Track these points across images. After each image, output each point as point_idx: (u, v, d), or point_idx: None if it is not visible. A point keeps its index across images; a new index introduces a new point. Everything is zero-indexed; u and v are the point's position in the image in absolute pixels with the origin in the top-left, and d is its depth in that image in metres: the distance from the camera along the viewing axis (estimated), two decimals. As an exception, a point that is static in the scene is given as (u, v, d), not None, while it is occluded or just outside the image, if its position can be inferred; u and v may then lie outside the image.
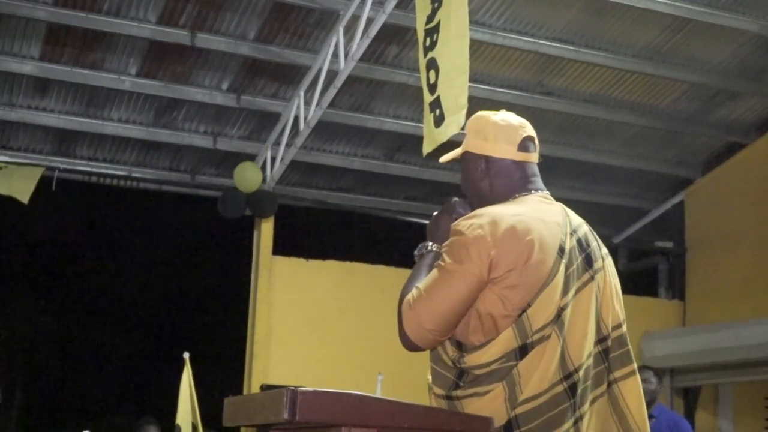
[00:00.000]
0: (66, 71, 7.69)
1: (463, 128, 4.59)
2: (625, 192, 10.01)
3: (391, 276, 8.76)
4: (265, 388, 7.97)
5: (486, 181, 2.49)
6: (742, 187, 9.27)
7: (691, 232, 9.96)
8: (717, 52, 8.07)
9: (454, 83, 4.77)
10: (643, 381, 7.06)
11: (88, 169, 8.69)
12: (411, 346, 2.32)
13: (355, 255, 9.06)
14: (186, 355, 6.91)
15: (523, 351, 2.27)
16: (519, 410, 2.25)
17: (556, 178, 9.61)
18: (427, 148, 5.01)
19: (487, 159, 2.49)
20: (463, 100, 4.70)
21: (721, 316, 9.07)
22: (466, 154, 2.54)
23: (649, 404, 6.66)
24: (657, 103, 8.71)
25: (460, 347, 2.31)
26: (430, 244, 2.49)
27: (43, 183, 8.21)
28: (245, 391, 8.31)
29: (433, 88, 4.94)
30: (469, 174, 2.53)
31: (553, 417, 2.26)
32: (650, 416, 7.24)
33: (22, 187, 7.92)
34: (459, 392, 2.30)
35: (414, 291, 2.32)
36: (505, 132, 2.51)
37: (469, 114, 4.66)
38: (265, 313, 8.57)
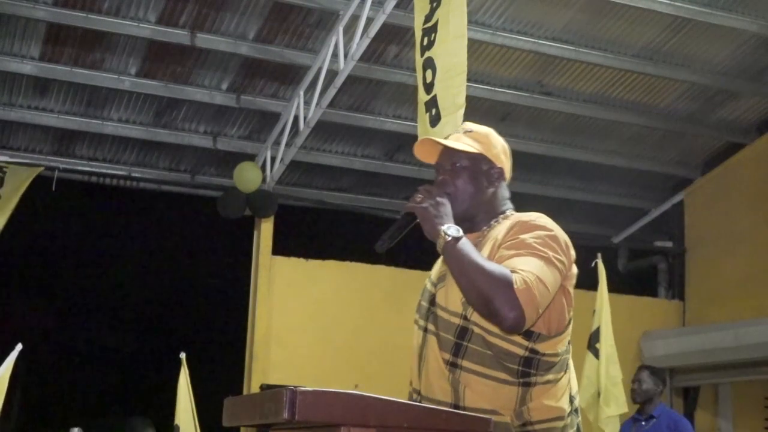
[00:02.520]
0: (66, 71, 7.69)
1: (459, 128, 4.58)
2: (625, 192, 10.01)
3: (391, 276, 8.76)
4: (265, 388, 7.96)
5: (491, 189, 2.65)
6: (742, 187, 9.27)
7: (690, 232, 9.95)
8: (717, 52, 8.07)
9: (452, 82, 4.76)
10: (638, 381, 7.08)
11: (88, 169, 8.69)
12: (517, 327, 2.33)
13: (355, 255, 9.04)
14: (182, 356, 6.90)
15: (569, 347, 2.56)
16: (576, 401, 2.55)
17: (556, 178, 9.62)
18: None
19: (501, 172, 2.68)
20: (461, 100, 4.69)
21: (720, 316, 9.07)
22: (479, 156, 2.64)
23: (644, 404, 6.68)
24: (657, 103, 8.70)
25: (530, 336, 2.43)
26: (458, 228, 2.46)
27: (43, 183, 8.20)
28: (245, 391, 8.31)
29: (429, 87, 4.92)
30: (476, 176, 2.63)
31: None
32: (650, 416, 7.24)
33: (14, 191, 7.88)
34: (538, 378, 2.45)
35: (525, 274, 2.32)
36: (510, 157, 2.76)
37: (467, 113, 4.67)
38: (265, 313, 8.57)
